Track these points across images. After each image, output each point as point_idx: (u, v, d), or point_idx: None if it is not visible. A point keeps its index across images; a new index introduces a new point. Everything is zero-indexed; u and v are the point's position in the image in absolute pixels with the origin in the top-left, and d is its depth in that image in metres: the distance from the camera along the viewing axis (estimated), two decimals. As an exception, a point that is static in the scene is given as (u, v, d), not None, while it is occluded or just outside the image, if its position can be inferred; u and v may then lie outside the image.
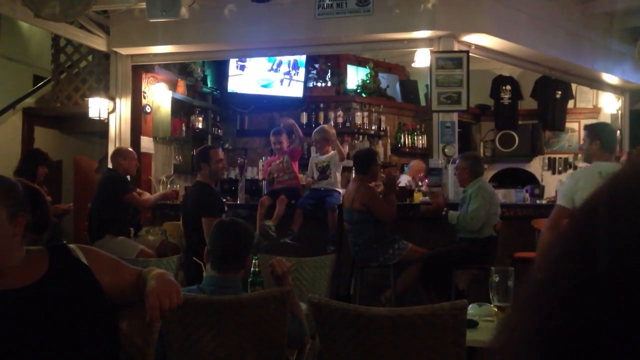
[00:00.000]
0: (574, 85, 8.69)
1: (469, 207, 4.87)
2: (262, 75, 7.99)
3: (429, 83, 6.29)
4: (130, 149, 5.98)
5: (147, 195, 5.97)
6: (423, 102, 8.83)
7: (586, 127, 4.74)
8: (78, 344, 1.77)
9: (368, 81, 8.51)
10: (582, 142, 4.59)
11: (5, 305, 1.74)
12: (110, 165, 5.86)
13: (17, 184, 1.85)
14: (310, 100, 8.17)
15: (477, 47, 6.33)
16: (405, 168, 7.96)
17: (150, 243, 5.64)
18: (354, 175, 5.48)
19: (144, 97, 7.07)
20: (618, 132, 8.56)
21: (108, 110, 6.87)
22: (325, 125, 6.57)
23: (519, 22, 6.39)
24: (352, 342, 2.34)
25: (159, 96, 7.19)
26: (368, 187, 5.06)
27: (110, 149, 6.70)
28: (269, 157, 6.62)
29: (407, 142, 8.47)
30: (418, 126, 8.60)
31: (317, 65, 8.37)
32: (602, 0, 6.95)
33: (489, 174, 8.74)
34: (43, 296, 1.77)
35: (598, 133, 4.25)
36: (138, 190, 6.10)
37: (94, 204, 5.54)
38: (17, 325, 1.72)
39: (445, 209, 5.10)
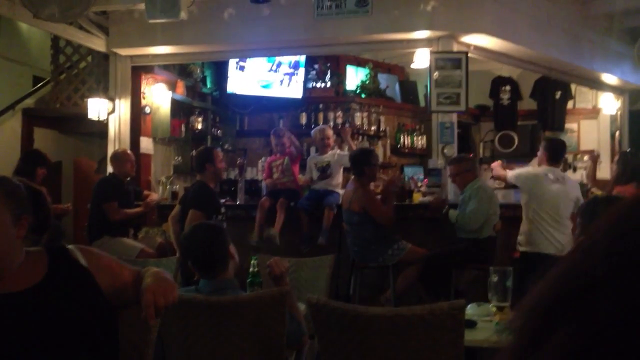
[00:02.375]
0: (573, 86, 8.69)
1: (468, 207, 4.87)
2: (262, 76, 7.99)
3: (428, 83, 6.30)
4: (127, 151, 6.00)
5: (148, 198, 5.96)
6: (422, 103, 8.83)
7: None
8: (77, 348, 1.77)
9: (367, 82, 8.52)
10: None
11: (4, 309, 1.74)
12: (110, 168, 5.94)
13: (20, 186, 1.84)
14: (310, 101, 8.17)
15: (476, 47, 6.33)
16: (406, 169, 7.96)
17: (150, 243, 5.65)
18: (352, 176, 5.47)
19: (144, 98, 7.07)
20: (618, 133, 8.58)
21: (107, 111, 6.87)
22: (326, 126, 6.61)
23: (518, 23, 6.40)
24: (351, 342, 2.35)
25: (159, 97, 7.19)
26: (366, 189, 5.05)
27: (110, 150, 6.71)
28: (268, 157, 6.63)
29: (406, 143, 8.47)
30: (417, 127, 8.61)
31: (316, 66, 8.36)
32: (601, 0, 6.95)
33: (488, 174, 8.73)
34: (42, 300, 1.77)
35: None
36: (145, 192, 6.14)
37: (91, 205, 5.61)
38: (17, 329, 1.72)
39: (446, 206, 5.10)
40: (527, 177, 4.98)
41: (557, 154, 5.03)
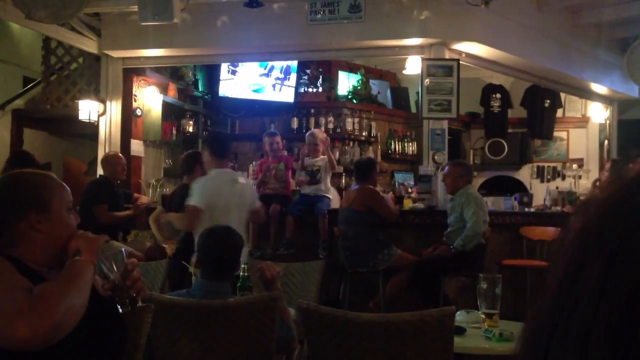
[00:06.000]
0: (563, 95, 8.75)
1: (466, 215, 4.85)
2: (254, 80, 8.00)
3: (419, 90, 6.32)
4: (118, 154, 5.99)
5: (138, 201, 5.94)
6: (414, 109, 8.86)
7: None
8: (88, 352, 1.75)
9: (359, 87, 8.54)
10: None
11: None
12: (101, 171, 5.92)
13: None
14: (301, 106, 8.18)
15: (468, 55, 6.37)
16: (397, 175, 7.98)
17: (139, 247, 5.62)
18: (354, 180, 5.48)
19: (135, 100, 7.05)
20: (606, 142, 8.65)
21: (98, 112, 6.85)
22: (318, 130, 6.60)
23: (509, 31, 6.45)
24: (341, 347, 2.35)
25: (150, 99, 7.18)
26: (371, 188, 5.12)
27: (100, 152, 6.69)
28: (259, 160, 6.61)
29: (397, 149, 8.50)
30: (408, 133, 8.63)
31: (308, 71, 8.38)
32: (590, 11, 7.01)
33: (478, 181, 8.78)
34: None
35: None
36: (135, 195, 6.12)
37: (80, 208, 5.57)
38: None
39: (451, 247, 4.99)
40: None
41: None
